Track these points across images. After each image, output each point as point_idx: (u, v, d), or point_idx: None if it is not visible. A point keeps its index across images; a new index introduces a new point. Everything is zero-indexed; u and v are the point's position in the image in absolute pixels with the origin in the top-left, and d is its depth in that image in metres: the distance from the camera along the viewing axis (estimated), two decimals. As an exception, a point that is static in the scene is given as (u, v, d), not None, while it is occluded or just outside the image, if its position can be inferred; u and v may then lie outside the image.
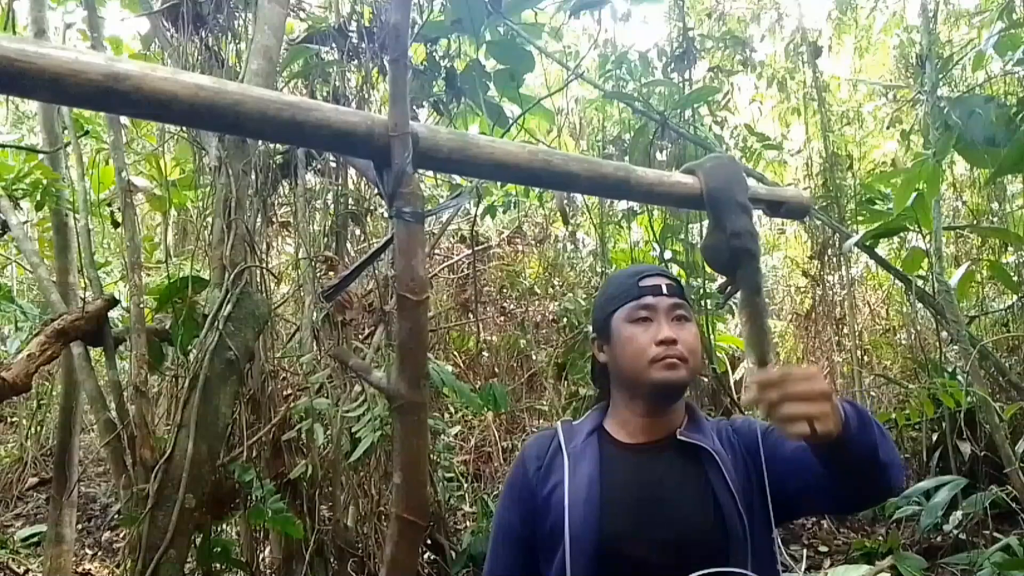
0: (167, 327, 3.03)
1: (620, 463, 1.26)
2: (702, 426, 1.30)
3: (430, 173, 4.15)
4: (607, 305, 1.35)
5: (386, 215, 0.87)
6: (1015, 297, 5.21)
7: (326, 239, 3.61)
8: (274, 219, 3.73)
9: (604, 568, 1.16)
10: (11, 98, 4.00)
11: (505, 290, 6.55)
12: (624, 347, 1.28)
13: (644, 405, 1.28)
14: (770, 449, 1.22)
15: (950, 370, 4.90)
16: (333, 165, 3.57)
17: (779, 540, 1.19)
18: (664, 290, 1.29)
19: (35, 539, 4.82)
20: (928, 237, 3.64)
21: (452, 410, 5.54)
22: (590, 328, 1.43)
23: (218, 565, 3.00)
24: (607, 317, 1.33)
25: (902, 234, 4.43)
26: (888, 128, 6.81)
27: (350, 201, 3.69)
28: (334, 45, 3.30)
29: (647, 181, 0.99)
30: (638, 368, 1.25)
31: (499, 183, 4.72)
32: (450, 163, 0.90)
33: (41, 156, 3.30)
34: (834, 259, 6.41)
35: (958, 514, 3.95)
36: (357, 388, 3.40)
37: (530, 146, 0.94)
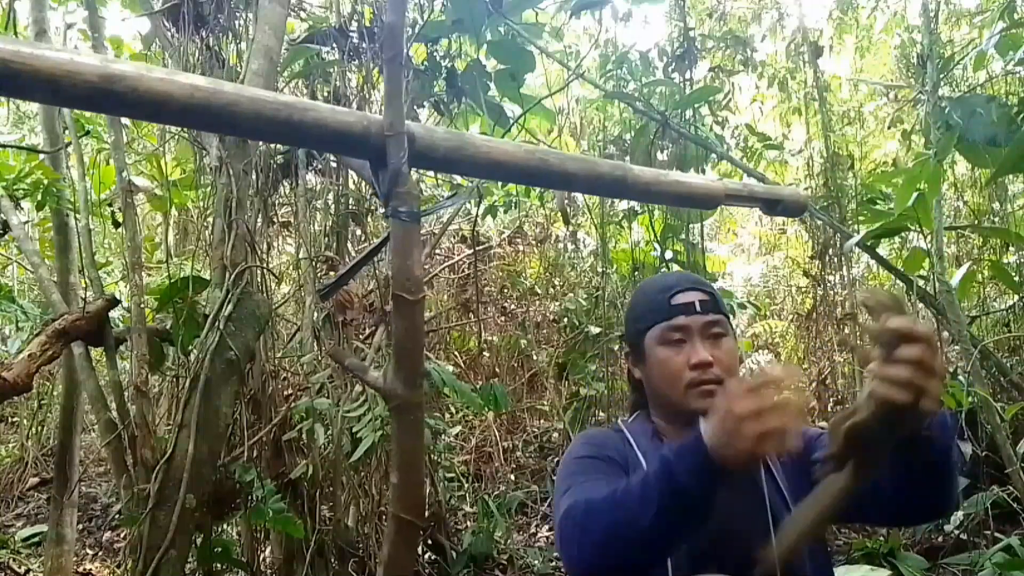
0: (168, 327, 3.02)
1: None
2: None
3: (431, 173, 4.16)
4: (638, 322, 1.30)
5: (383, 215, 0.87)
6: (1016, 297, 5.20)
7: (327, 239, 3.61)
8: (275, 219, 3.73)
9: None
10: (11, 98, 4.00)
11: (506, 290, 6.55)
12: (658, 371, 1.25)
13: (686, 429, 1.18)
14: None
15: (951, 370, 4.89)
16: (334, 165, 3.58)
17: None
18: (697, 307, 1.24)
19: (36, 539, 4.82)
20: (929, 237, 3.63)
21: (453, 410, 5.54)
22: (624, 344, 1.36)
23: (219, 565, 3.00)
24: (639, 334, 1.29)
25: (903, 234, 4.42)
26: (889, 128, 6.80)
27: (351, 201, 3.69)
28: (335, 45, 3.30)
29: (643, 180, 0.98)
30: (674, 395, 1.22)
31: (500, 183, 4.72)
32: (447, 163, 0.89)
33: (42, 156, 3.30)
34: (835, 259, 6.40)
35: (959, 514, 3.94)
36: (358, 388, 3.40)
37: (527, 145, 0.93)
